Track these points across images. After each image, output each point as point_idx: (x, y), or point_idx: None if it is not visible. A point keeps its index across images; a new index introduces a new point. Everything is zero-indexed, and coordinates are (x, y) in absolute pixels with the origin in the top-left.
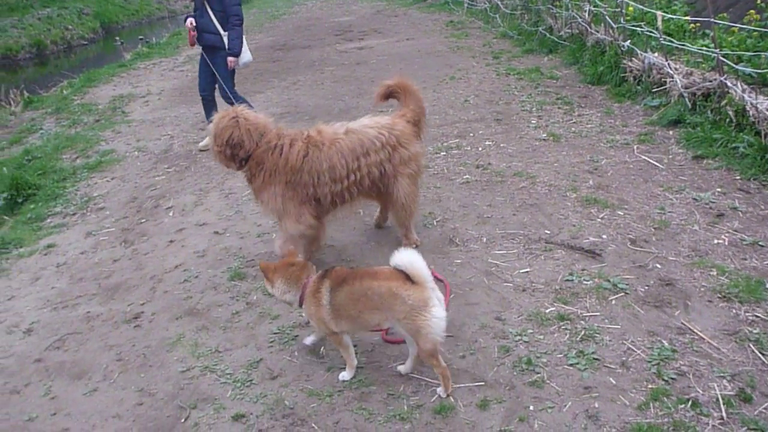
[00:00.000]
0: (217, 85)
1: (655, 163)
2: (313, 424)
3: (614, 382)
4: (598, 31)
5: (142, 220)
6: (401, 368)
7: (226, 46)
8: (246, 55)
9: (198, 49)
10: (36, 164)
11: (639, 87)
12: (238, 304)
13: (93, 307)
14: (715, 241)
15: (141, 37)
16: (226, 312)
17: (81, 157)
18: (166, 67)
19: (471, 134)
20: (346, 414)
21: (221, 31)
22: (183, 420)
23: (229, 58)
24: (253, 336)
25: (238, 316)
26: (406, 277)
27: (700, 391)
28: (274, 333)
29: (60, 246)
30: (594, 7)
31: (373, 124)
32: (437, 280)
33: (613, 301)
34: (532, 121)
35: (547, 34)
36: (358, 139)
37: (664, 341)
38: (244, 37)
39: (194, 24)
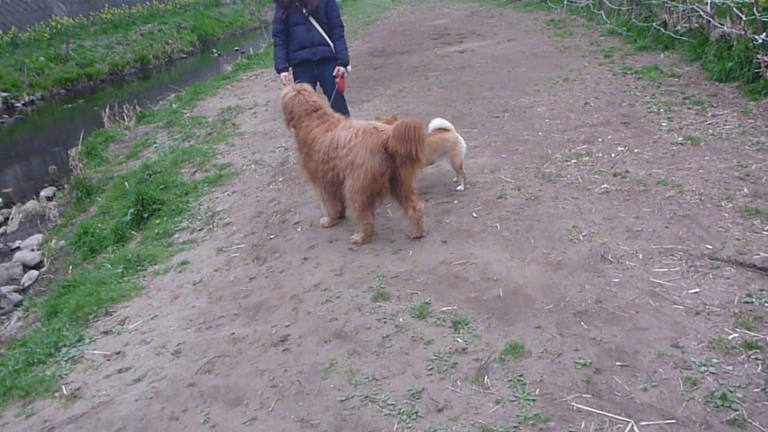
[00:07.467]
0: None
1: None
2: None
3: None
4: (723, 24)
5: (271, 236)
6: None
7: (336, 56)
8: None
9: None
10: (157, 179)
11: None
12: (386, 327)
13: (237, 328)
14: None
15: (237, 48)
16: (375, 335)
17: (199, 171)
18: (268, 77)
19: (599, 139)
20: None
21: (330, 42)
22: None
23: (340, 69)
24: (409, 363)
25: (389, 341)
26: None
27: None
28: (431, 359)
29: (193, 263)
30: None
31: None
32: None
33: None
34: (663, 124)
35: (662, 30)
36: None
37: None
38: None
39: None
